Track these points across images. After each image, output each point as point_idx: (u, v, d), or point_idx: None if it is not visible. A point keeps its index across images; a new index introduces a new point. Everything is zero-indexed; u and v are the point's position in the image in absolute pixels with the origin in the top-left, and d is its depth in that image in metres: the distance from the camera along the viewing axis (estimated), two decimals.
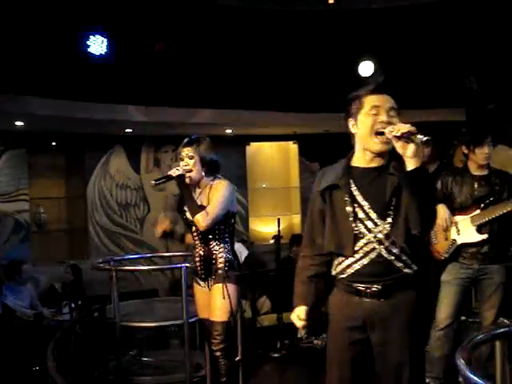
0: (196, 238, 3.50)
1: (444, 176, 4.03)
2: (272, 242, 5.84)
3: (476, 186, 3.85)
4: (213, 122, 7.42)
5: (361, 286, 2.33)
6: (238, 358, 4.13)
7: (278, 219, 6.00)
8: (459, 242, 3.87)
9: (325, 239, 2.44)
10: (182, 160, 3.42)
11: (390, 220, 2.28)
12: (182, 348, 4.09)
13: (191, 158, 3.40)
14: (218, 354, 3.37)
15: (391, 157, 2.30)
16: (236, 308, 3.45)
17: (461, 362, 1.86)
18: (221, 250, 3.44)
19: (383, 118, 2.27)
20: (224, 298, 3.35)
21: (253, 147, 9.29)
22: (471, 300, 4.54)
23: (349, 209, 2.34)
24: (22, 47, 5.46)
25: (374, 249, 2.31)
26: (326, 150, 9.11)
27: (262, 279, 6.51)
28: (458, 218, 3.89)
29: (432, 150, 5.09)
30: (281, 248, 5.97)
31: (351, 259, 2.35)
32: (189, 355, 3.93)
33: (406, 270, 2.32)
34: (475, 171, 3.89)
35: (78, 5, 5.40)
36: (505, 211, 3.67)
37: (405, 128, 2.12)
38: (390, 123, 2.23)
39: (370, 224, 2.31)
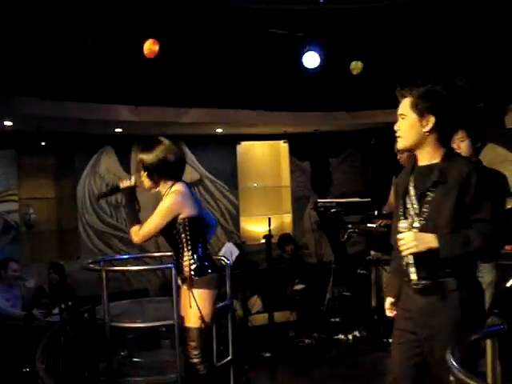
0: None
1: None
2: (263, 241, 5.82)
3: None
4: (203, 122, 7.40)
5: None
6: (228, 358, 4.13)
7: (269, 219, 5.98)
8: None
9: None
10: None
11: None
12: (173, 348, 4.07)
13: (140, 168, 3.44)
14: (194, 360, 3.36)
15: None
16: (209, 312, 3.37)
17: (452, 361, 1.85)
18: (186, 259, 3.37)
19: None
20: (190, 306, 3.33)
21: (243, 146, 9.27)
22: None
23: None
24: (11, 47, 5.42)
25: None
26: (316, 149, 9.13)
27: (253, 279, 6.50)
28: None
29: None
30: (272, 247, 5.96)
31: None
32: (180, 355, 3.91)
33: None
34: None
35: (70, 3, 5.37)
36: None
37: None
38: None
39: None
